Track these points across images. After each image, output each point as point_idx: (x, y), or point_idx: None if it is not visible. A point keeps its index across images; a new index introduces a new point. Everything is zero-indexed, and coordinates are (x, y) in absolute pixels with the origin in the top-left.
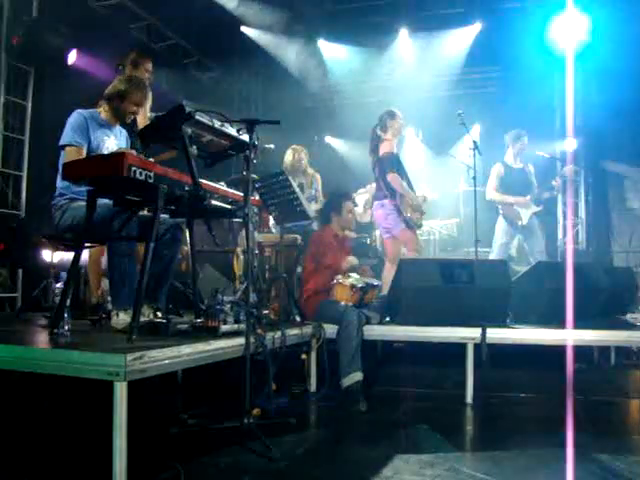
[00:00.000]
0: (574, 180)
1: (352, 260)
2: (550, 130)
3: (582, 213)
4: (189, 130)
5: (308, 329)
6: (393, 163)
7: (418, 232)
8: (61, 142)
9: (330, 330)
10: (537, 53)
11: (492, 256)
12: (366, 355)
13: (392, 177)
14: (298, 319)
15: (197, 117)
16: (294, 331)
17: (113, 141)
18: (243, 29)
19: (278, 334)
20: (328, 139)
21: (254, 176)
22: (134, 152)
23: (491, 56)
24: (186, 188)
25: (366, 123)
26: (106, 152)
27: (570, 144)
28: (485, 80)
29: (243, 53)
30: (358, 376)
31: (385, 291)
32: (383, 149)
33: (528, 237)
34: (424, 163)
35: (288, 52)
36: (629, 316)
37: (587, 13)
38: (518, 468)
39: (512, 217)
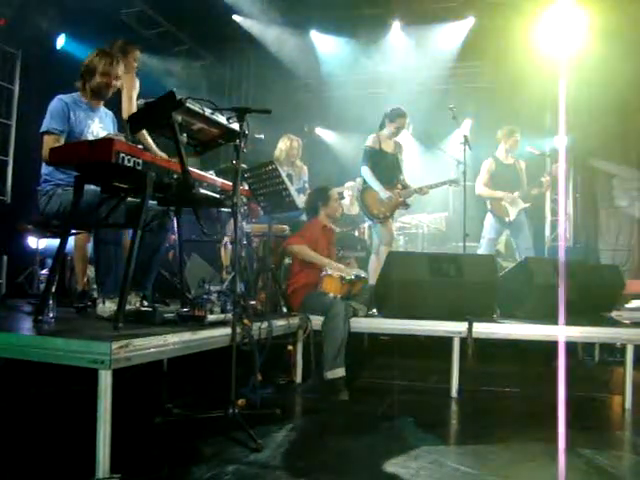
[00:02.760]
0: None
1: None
2: (541, 127)
3: (570, 210)
4: (179, 118)
5: (295, 320)
6: (369, 157)
7: (404, 225)
8: (41, 129)
9: (317, 322)
10: (530, 49)
11: (480, 251)
12: (352, 347)
13: (364, 170)
14: (285, 310)
15: (188, 105)
16: (281, 322)
17: (97, 124)
18: (235, 18)
19: (265, 325)
20: (318, 130)
21: (243, 165)
22: (122, 138)
23: (484, 51)
24: (175, 176)
25: (357, 115)
26: (91, 136)
27: (560, 141)
28: (477, 75)
29: (235, 42)
30: (341, 372)
31: (371, 282)
32: (368, 141)
33: (515, 233)
34: (414, 157)
35: (280, 42)
36: (614, 313)
37: (580, 10)
38: (502, 462)
39: (500, 213)
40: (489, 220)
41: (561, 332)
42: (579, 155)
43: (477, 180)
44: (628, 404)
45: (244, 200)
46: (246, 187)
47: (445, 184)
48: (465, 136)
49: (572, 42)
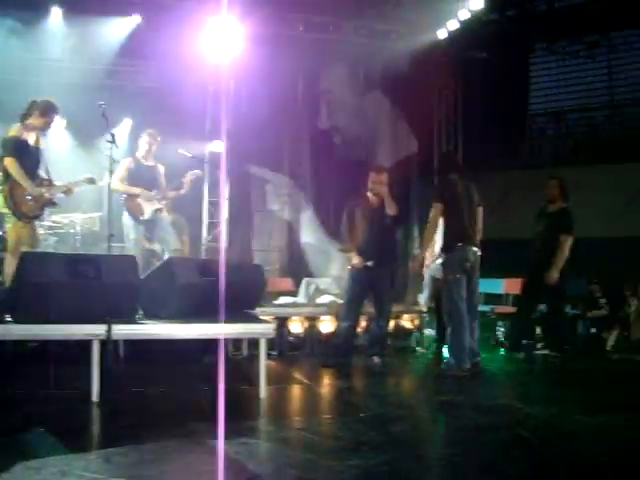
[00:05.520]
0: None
1: None
2: (200, 131)
3: (225, 213)
4: None
5: None
6: (15, 148)
7: (55, 225)
8: None
9: None
10: (194, 54)
11: (128, 252)
12: None
13: (9, 162)
14: None
15: None
16: None
17: None
18: None
19: None
20: None
21: None
22: None
23: (149, 51)
24: None
25: (13, 103)
26: None
27: (217, 146)
28: (141, 74)
29: None
30: None
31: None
32: (12, 131)
33: (151, 230)
34: (68, 152)
35: None
36: (257, 310)
37: (240, 19)
38: (129, 463)
39: (134, 211)
40: (127, 220)
41: (206, 330)
42: (236, 160)
43: (114, 175)
44: (262, 394)
45: None
46: None
47: (84, 183)
48: (112, 134)
49: (233, 50)
